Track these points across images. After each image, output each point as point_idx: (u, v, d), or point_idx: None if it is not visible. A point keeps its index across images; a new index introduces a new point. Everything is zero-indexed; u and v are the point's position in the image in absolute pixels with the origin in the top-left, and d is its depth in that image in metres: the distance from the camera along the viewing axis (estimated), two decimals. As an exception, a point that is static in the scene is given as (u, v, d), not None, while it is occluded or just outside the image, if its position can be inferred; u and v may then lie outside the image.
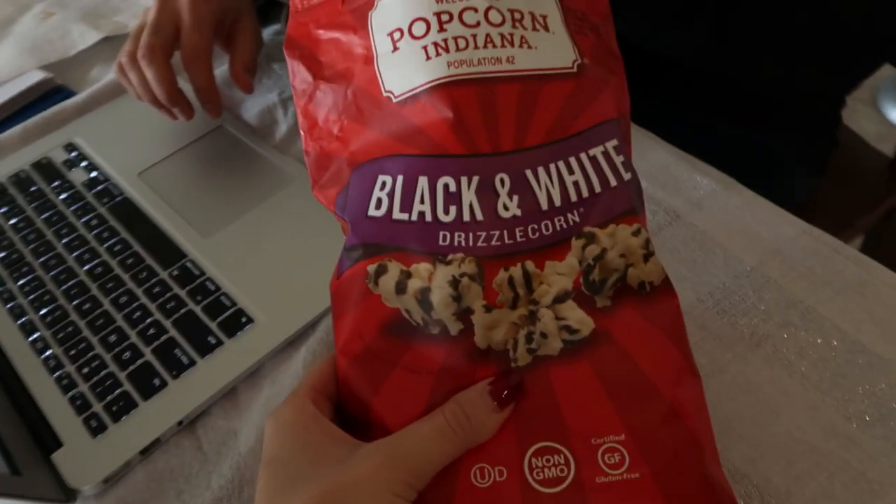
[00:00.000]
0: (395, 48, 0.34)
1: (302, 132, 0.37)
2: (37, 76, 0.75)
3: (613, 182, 0.33)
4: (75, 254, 0.56)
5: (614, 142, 0.34)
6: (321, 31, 0.36)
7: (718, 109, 0.79)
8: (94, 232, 0.58)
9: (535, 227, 0.32)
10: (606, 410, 0.31)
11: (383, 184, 0.33)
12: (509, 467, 0.31)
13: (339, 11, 0.36)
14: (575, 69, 0.34)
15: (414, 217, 0.33)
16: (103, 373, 0.48)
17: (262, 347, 0.48)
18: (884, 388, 0.39)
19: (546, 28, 0.34)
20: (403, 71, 0.33)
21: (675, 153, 0.55)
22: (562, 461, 0.31)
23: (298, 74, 0.37)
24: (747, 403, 0.40)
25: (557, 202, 0.32)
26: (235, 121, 0.66)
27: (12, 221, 0.61)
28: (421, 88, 0.33)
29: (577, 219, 0.33)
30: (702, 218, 0.50)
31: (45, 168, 0.65)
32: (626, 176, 0.34)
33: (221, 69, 0.73)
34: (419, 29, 0.33)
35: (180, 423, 0.45)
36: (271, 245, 0.54)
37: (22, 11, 0.86)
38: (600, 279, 0.32)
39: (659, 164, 0.54)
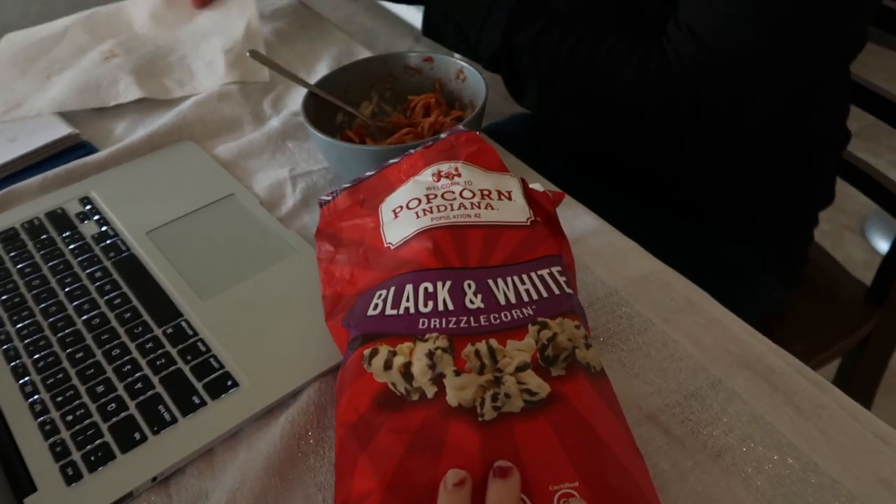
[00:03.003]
0: (396, 217, 0.48)
1: (322, 283, 0.50)
2: (63, 130, 0.79)
3: (557, 291, 0.44)
4: (75, 303, 0.59)
5: (558, 268, 0.45)
6: (344, 223, 0.52)
7: (694, 216, 0.83)
8: (97, 284, 0.60)
9: (496, 315, 0.41)
10: (562, 461, 0.36)
11: (379, 294, 0.44)
12: None
13: (359, 212, 0.51)
14: (529, 224, 0.47)
15: (401, 311, 0.43)
16: (86, 422, 0.49)
17: (244, 412, 0.49)
18: (833, 509, 0.41)
19: (510, 198, 0.48)
20: (400, 228, 0.47)
21: (655, 264, 0.58)
22: None
23: (323, 248, 0.51)
24: (703, 512, 0.42)
25: (513, 300, 0.42)
26: (246, 191, 0.70)
27: (19, 266, 0.63)
28: (411, 235, 0.46)
29: (530, 312, 0.42)
30: (675, 327, 0.53)
31: (59, 218, 0.68)
32: (568, 290, 0.44)
33: (238, 143, 0.77)
34: (413, 204, 0.48)
35: (154, 479, 0.46)
36: (265, 313, 0.56)
37: (95, 44, 0.93)
38: (553, 355, 0.40)
39: (640, 273, 0.58)
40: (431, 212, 0.47)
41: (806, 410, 0.46)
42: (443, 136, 0.54)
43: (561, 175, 0.71)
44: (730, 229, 0.83)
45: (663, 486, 0.43)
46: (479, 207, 0.47)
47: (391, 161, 0.53)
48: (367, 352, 0.41)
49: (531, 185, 0.51)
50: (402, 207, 0.48)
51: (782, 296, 0.90)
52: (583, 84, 0.70)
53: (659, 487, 0.43)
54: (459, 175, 0.49)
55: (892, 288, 0.92)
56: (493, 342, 0.40)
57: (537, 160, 0.75)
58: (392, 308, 0.43)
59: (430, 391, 0.39)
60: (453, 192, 0.48)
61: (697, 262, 0.63)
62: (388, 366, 0.40)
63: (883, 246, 1.81)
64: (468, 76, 0.70)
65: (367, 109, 0.75)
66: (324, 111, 0.70)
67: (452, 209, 0.47)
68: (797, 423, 0.46)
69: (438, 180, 0.49)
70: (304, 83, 0.70)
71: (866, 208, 1.91)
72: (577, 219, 0.63)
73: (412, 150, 0.53)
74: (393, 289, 0.44)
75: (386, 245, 0.47)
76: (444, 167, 0.50)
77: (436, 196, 0.48)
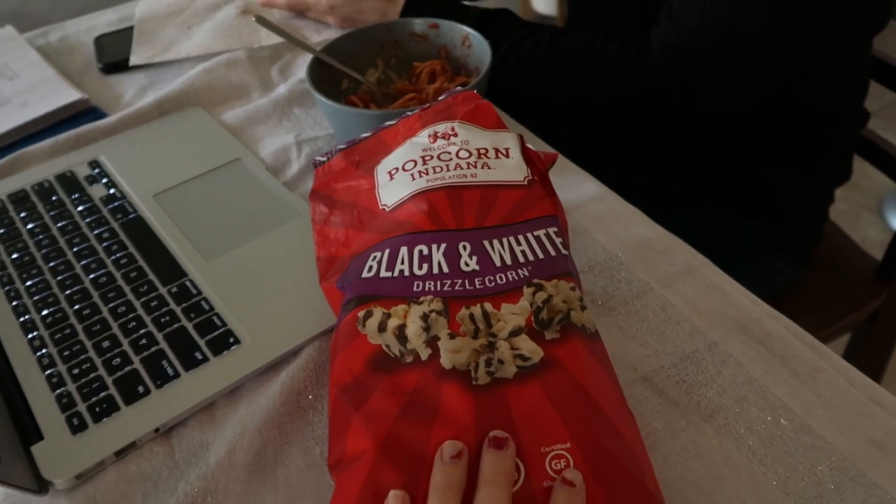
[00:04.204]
0: (391, 178, 0.48)
1: (316, 245, 0.50)
2: (73, 96, 0.80)
3: (553, 253, 0.43)
4: (83, 262, 0.60)
5: (554, 228, 0.45)
6: (339, 184, 0.51)
7: (709, 192, 0.83)
8: (104, 244, 0.61)
9: (491, 278, 0.41)
10: (554, 423, 0.36)
11: (374, 257, 0.44)
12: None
13: (354, 174, 0.51)
14: (526, 183, 0.46)
15: (395, 274, 0.42)
16: (92, 375, 0.50)
17: (245, 368, 0.50)
18: (823, 469, 0.41)
19: (507, 156, 0.48)
20: (395, 190, 0.47)
21: (656, 230, 0.58)
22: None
23: (318, 209, 0.51)
24: (694, 470, 0.42)
25: (509, 262, 0.42)
26: (252, 156, 0.70)
27: (30, 226, 0.64)
28: (406, 197, 0.46)
29: (526, 273, 0.41)
30: (673, 292, 0.53)
31: (68, 181, 0.69)
32: (564, 252, 0.44)
33: (246, 109, 0.78)
34: (409, 165, 0.48)
35: (157, 430, 0.47)
36: (267, 273, 0.57)
37: (228, 2, 0.97)
38: (548, 318, 0.39)
39: (641, 238, 0.57)
40: (427, 173, 0.46)
41: (802, 374, 0.46)
42: (441, 98, 0.53)
43: (570, 149, 0.71)
44: (744, 206, 0.82)
45: (655, 444, 0.44)
46: (475, 167, 0.46)
47: (388, 123, 0.53)
48: (361, 314, 0.41)
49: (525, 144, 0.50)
50: (397, 169, 0.48)
51: (795, 272, 0.90)
52: (563, 80, 0.71)
53: (651, 446, 0.43)
54: (456, 135, 0.49)
55: (903, 262, 0.91)
56: (488, 306, 0.40)
57: (547, 135, 0.74)
58: (387, 270, 0.43)
59: (425, 353, 0.38)
60: (450, 153, 0.47)
61: (711, 239, 0.63)
62: (382, 328, 0.40)
63: (899, 225, 1.79)
64: (474, 43, 0.70)
65: (372, 76, 0.75)
66: (329, 77, 0.70)
67: (448, 170, 0.46)
68: (793, 385, 0.46)
69: (435, 141, 0.48)
70: (309, 49, 0.70)
71: (883, 187, 1.88)
72: (580, 185, 0.63)
73: (409, 113, 0.53)
74: (388, 251, 0.43)
75: (381, 207, 0.47)
76: (441, 128, 0.49)
77: (432, 157, 0.47)
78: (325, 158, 0.53)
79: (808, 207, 0.85)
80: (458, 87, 0.55)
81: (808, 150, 0.79)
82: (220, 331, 0.53)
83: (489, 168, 0.47)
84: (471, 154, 0.47)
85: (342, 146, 0.53)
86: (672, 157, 0.82)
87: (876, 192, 1.89)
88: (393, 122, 0.52)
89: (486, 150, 0.48)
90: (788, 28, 0.62)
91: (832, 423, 0.44)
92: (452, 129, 0.49)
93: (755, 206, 0.83)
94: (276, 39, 0.87)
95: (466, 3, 0.80)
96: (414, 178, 0.46)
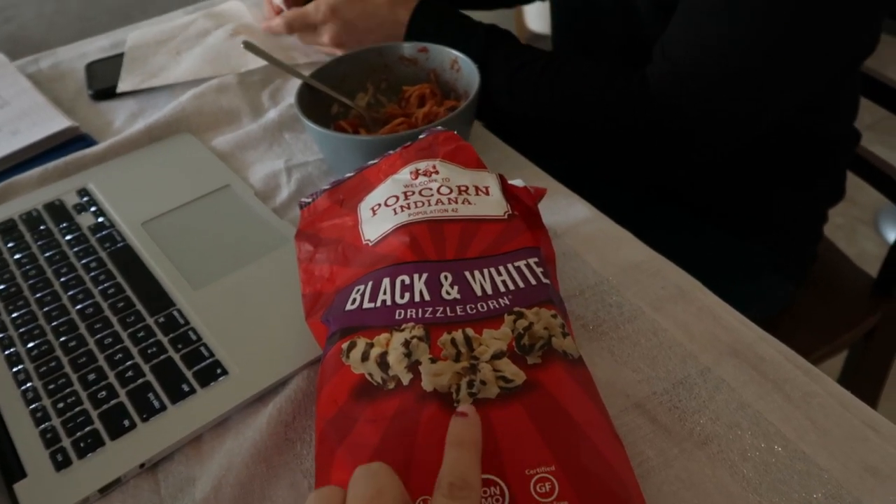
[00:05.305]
0: (374, 214, 0.49)
1: (301, 283, 0.50)
2: (63, 123, 0.80)
3: (534, 282, 0.43)
4: (70, 293, 0.59)
5: (535, 259, 0.45)
6: (323, 223, 0.52)
7: (705, 215, 0.83)
8: (92, 274, 0.61)
9: (473, 306, 0.41)
10: (538, 445, 0.35)
11: (357, 289, 0.44)
12: None
13: (338, 212, 0.52)
14: (506, 217, 0.47)
15: (378, 304, 0.43)
16: (77, 409, 0.50)
17: (232, 400, 0.50)
18: (818, 497, 0.40)
19: (487, 193, 0.49)
20: (378, 225, 0.48)
21: (647, 252, 0.58)
22: (497, 492, 0.34)
23: (303, 248, 0.52)
24: (688, 499, 0.41)
25: (489, 291, 0.42)
26: (241, 182, 0.70)
27: (17, 256, 0.64)
28: (389, 231, 0.46)
29: (507, 302, 0.41)
30: (665, 316, 0.52)
31: (57, 209, 0.69)
32: (545, 281, 0.44)
33: (236, 134, 0.77)
34: (391, 201, 0.48)
35: (142, 465, 0.47)
36: (255, 302, 0.57)
37: (218, 26, 0.97)
38: (529, 343, 0.40)
39: (631, 262, 0.57)
40: (409, 208, 0.47)
41: (795, 398, 0.46)
42: (421, 136, 0.54)
43: (566, 171, 0.71)
44: (741, 227, 0.82)
45: (648, 473, 0.43)
46: (456, 203, 0.47)
47: (370, 162, 0.54)
48: (345, 345, 0.41)
49: (512, 181, 0.51)
50: (380, 205, 0.49)
51: (791, 293, 0.90)
52: (566, 111, 0.71)
53: (643, 475, 0.43)
54: (437, 172, 0.49)
55: (899, 279, 0.91)
56: (470, 331, 0.40)
57: (541, 156, 0.74)
58: (369, 301, 0.43)
59: (406, 378, 0.38)
60: (431, 189, 0.48)
61: (708, 261, 0.62)
62: (365, 357, 0.40)
63: None
64: (462, 66, 0.70)
65: (362, 100, 0.75)
66: (319, 102, 0.70)
67: (430, 205, 0.47)
68: (786, 410, 0.45)
69: (416, 178, 0.49)
70: (298, 74, 0.70)
71: (879, 201, 1.89)
72: (570, 207, 0.63)
73: (391, 152, 0.53)
74: (370, 283, 0.44)
75: (364, 242, 0.47)
76: (422, 165, 0.50)
77: (413, 193, 0.48)
78: (310, 199, 0.54)
79: (805, 227, 0.85)
80: (438, 127, 0.56)
81: (804, 171, 0.79)
82: (208, 362, 0.52)
83: (470, 203, 0.47)
84: (451, 190, 0.48)
85: (326, 187, 0.54)
86: (669, 181, 0.82)
87: (871, 206, 1.89)
88: (375, 161, 0.53)
89: (467, 188, 0.49)
90: (785, 65, 0.62)
91: (826, 448, 0.43)
92: (434, 166, 0.50)
93: (752, 227, 0.82)
94: (258, 65, 0.87)
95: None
96: (396, 213, 0.47)
